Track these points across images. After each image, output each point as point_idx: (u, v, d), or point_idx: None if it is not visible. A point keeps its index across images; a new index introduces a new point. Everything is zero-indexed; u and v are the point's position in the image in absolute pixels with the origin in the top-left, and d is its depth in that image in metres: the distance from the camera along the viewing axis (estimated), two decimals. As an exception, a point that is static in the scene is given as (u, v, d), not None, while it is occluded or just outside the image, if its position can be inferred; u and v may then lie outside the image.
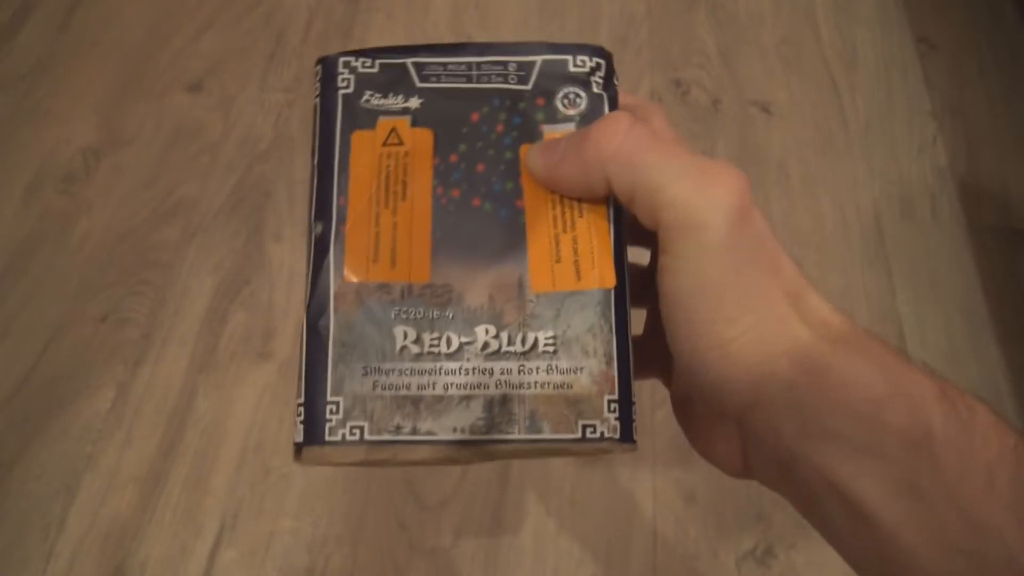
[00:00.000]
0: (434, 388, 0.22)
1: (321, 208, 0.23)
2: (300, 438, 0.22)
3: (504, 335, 0.22)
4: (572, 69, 0.25)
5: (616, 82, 0.25)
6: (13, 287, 0.75)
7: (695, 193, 0.21)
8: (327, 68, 0.25)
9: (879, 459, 0.18)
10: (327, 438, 0.21)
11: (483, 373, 0.22)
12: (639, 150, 0.21)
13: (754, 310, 0.20)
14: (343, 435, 0.21)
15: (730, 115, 0.87)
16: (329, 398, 0.22)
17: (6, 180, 0.82)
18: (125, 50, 0.92)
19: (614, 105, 0.25)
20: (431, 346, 0.22)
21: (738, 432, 0.22)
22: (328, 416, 0.22)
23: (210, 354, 0.71)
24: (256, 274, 0.76)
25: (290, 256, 0.77)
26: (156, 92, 0.89)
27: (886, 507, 0.18)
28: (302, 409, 0.22)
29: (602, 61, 0.25)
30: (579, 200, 0.23)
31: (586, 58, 0.25)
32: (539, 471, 0.65)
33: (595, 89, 0.24)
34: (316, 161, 0.24)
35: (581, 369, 0.22)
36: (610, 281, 0.23)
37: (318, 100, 0.25)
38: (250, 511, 0.63)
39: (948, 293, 0.75)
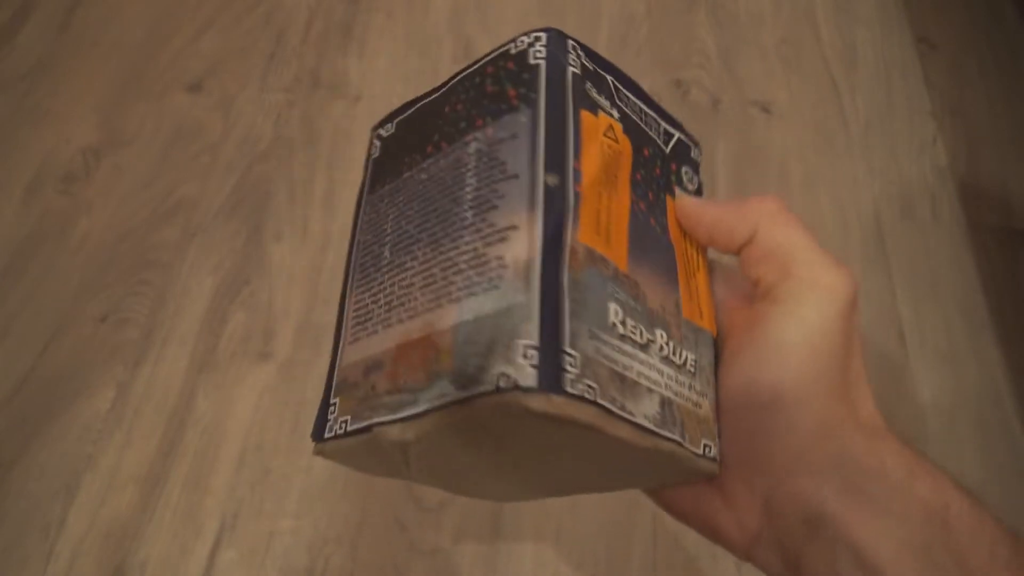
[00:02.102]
0: (632, 372, 0.22)
1: (554, 162, 0.23)
2: (532, 382, 0.19)
3: (671, 345, 0.24)
4: (693, 155, 0.29)
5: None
6: (13, 287, 0.75)
7: (825, 265, 0.24)
8: (556, 40, 0.25)
9: (903, 523, 0.20)
10: (567, 388, 0.20)
11: (660, 372, 0.23)
12: (790, 217, 0.25)
13: (826, 389, 0.22)
14: (581, 391, 0.20)
15: (730, 115, 0.87)
16: (567, 348, 0.20)
17: (6, 180, 0.82)
18: (125, 50, 0.92)
19: (701, 193, 0.29)
20: (632, 331, 0.23)
21: (764, 493, 0.23)
22: (567, 367, 0.20)
23: (210, 354, 0.71)
24: (256, 274, 0.76)
25: (290, 256, 0.77)
26: (156, 92, 0.89)
27: (900, 566, 0.20)
28: (535, 352, 0.20)
29: (700, 161, 0.29)
30: (698, 254, 0.27)
31: (698, 151, 0.30)
32: (539, 471, 0.65)
33: (700, 178, 0.29)
34: (545, 115, 0.23)
35: (706, 395, 0.24)
36: (714, 329, 0.26)
37: (543, 61, 0.25)
38: (250, 511, 0.63)
39: (948, 293, 0.75)
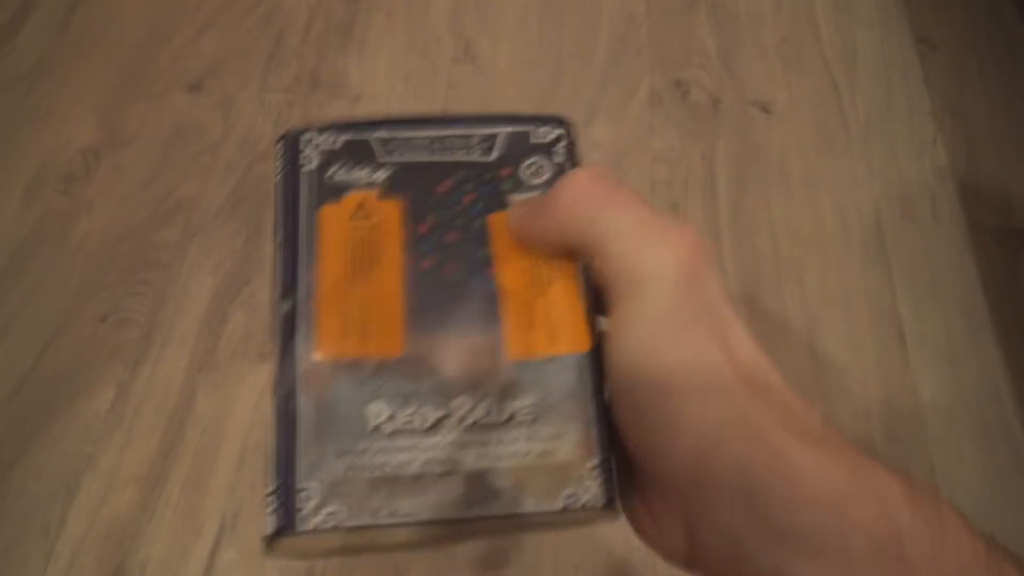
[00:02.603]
0: (412, 466, 0.21)
1: (287, 286, 0.23)
2: (272, 529, 0.20)
3: (481, 406, 0.22)
4: (534, 140, 0.25)
5: (578, 151, 0.26)
6: (13, 287, 0.75)
7: (641, 248, 0.20)
8: (289, 145, 0.25)
9: (843, 561, 0.16)
10: (300, 528, 0.20)
11: (462, 447, 0.21)
12: (594, 202, 0.21)
13: (699, 377, 0.19)
14: (317, 524, 0.20)
15: (730, 115, 0.87)
16: (301, 484, 0.21)
17: (6, 180, 0.82)
18: (125, 50, 0.92)
19: (565, 169, 0.25)
20: (406, 423, 0.21)
21: (684, 515, 0.20)
22: (300, 505, 0.21)
23: (210, 354, 0.71)
24: (256, 274, 0.76)
25: (290, 256, 0.77)
26: (156, 92, 0.89)
27: None
28: (273, 498, 0.21)
29: (563, 131, 0.25)
30: (550, 264, 0.23)
31: (548, 129, 0.25)
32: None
33: (557, 158, 0.25)
34: (280, 239, 0.23)
35: (562, 436, 0.22)
36: (585, 344, 0.23)
37: (280, 178, 0.24)
38: (250, 511, 0.63)
39: (948, 293, 0.75)
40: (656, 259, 0.20)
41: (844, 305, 0.74)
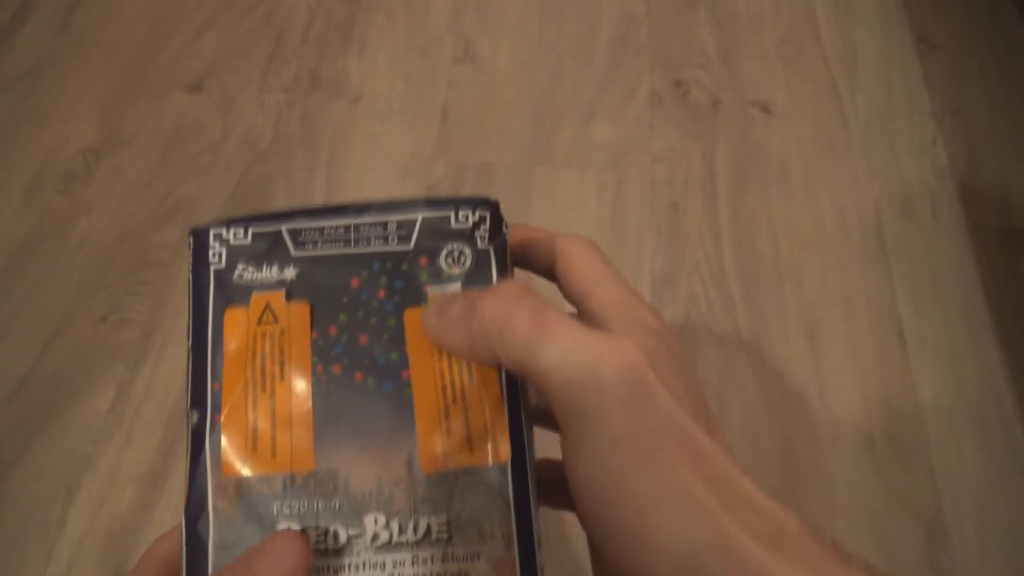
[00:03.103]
0: None
1: (196, 395, 0.22)
2: None
3: (395, 523, 0.20)
4: (455, 225, 0.23)
5: (505, 230, 0.24)
6: (13, 287, 0.75)
7: (584, 376, 0.18)
8: (198, 241, 0.23)
9: None
10: None
11: (375, 568, 0.20)
12: (525, 326, 0.19)
13: (668, 501, 0.18)
14: None
15: (730, 115, 0.87)
16: None
17: (6, 180, 0.82)
18: (125, 50, 0.92)
19: (502, 258, 0.23)
20: (317, 542, 0.20)
21: None
22: None
23: (210, 354, 0.71)
24: (256, 274, 0.76)
25: (290, 256, 0.77)
26: (156, 92, 0.89)
27: None
28: None
29: (486, 213, 0.24)
30: (469, 367, 0.22)
31: (468, 212, 0.23)
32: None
33: (480, 244, 0.23)
34: (190, 342, 0.22)
35: (479, 555, 0.21)
36: (504, 454, 0.21)
37: (190, 276, 0.23)
38: (250, 511, 0.63)
39: (948, 293, 0.75)
40: (599, 383, 0.18)
41: (844, 305, 0.74)
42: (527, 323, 0.19)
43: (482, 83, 0.89)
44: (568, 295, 0.25)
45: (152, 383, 0.69)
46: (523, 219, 0.77)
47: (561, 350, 0.19)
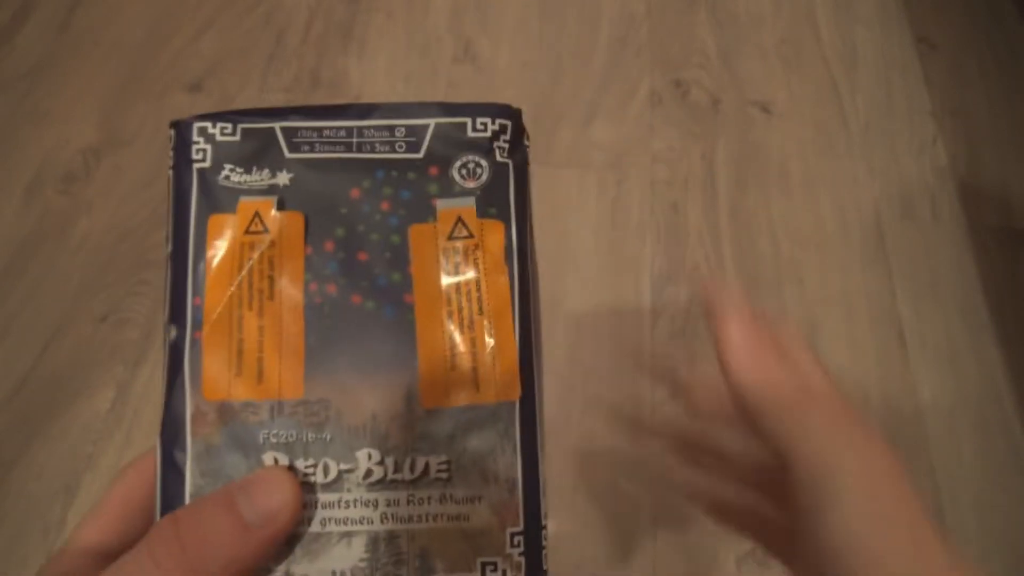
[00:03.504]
0: (310, 524, 0.19)
1: (175, 309, 0.20)
2: None
3: (390, 460, 0.19)
4: (471, 134, 0.21)
5: (527, 143, 0.22)
6: (13, 287, 0.75)
7: (836, 449, 0.21)
8: (180, 135, 0.21)
9: None
10: None
11: (366, 505, 0.19)
12: (782, 395, 0.22)
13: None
14: None
15: (730, 115, 0.87)
16: None
17: (6, 180, 0.82)
18: (125, 50, 0.92)
19: (522, 175, 0.22)
20: (306, 475, 0.19)
21: None
22: None
23: (210, 354, 0.71)
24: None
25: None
26: (156, 92, 0.89)
27: None
28: None
29: (507, 122, 0.21)
30: (479, 292, 0.20)
31: (488, 120, 0.21)
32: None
33: (499, 156, 0.21)
34: (169, 249, 0.20)
35: (480, 498, 0.19)
36: (515, 392, 0.20)
37: (171, 174, 0.21)
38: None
39: (948, 293, 0.75)
40: (853, 457, 0.21)
41: (844, 305, 0.74)
42: (782, 385, 0.22)
43: (482, 83, 0.89)
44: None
45: (152, 383, 0.69)
46: (523, 219, 0.77)
47: (815, 419, 0.21)
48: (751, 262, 0.76)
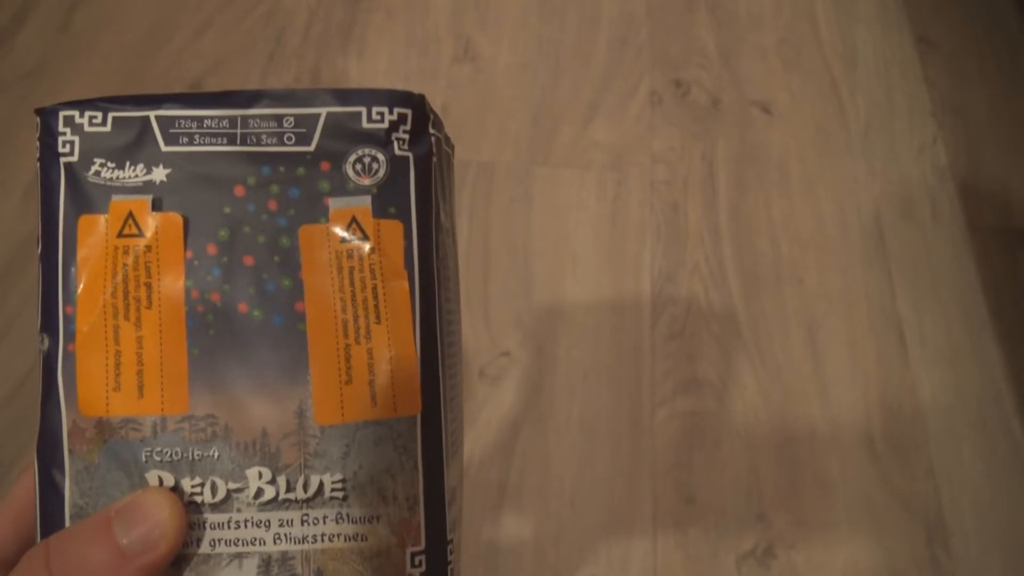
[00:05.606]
0: (199, 545, 0.18)
1: (47, 318, 0.19)
2: None
3: (282, 479, 0.18)
4: (367, 125, 0.19)
5: (433, 132, 0.20)
6: (13, 287, 0.75)
7: None
8: (45, 125, 0.19)
9: None
10: None
11: (258, 526, 0.18)
12: None
13: None
14: None
15: (730, 115, 0.87)
16: None
17: (6, 180, 0.82)
18: (125, 50, 0.92)
19: (424, 170, 0.20)
20: (193, 494, 0.18)
21: None
22: None
23: (210, 354, 0.71)
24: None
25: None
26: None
27: None
28: None
29: (407, 111, 0.19)
30: (376, 299, 0.19)
31: (384, 109, 0.19)
32: (539, 474, 0.65)
33: (397, 150, 0.19)
34: (39, 252, 0.19)
35: (378, 518, 0.18)
36: (415, 406, 0.19)
37: (38, 167, 0.19)
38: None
39: (948, 293, 0.75)
40: None
41: (844, 305, 0.74)
42: None
43: (482, 83, 0.89)
44: None
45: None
46: (523, 218, 0.77)
47: None
48: (751, 262, 0.77)
